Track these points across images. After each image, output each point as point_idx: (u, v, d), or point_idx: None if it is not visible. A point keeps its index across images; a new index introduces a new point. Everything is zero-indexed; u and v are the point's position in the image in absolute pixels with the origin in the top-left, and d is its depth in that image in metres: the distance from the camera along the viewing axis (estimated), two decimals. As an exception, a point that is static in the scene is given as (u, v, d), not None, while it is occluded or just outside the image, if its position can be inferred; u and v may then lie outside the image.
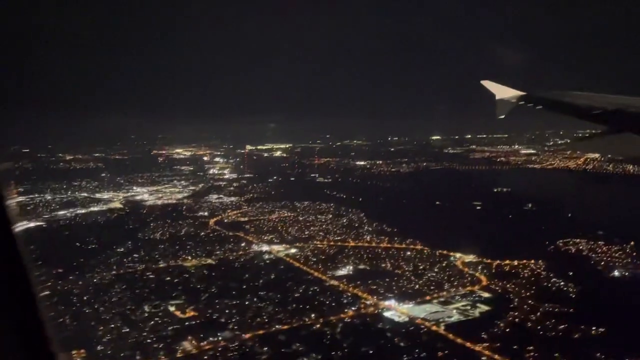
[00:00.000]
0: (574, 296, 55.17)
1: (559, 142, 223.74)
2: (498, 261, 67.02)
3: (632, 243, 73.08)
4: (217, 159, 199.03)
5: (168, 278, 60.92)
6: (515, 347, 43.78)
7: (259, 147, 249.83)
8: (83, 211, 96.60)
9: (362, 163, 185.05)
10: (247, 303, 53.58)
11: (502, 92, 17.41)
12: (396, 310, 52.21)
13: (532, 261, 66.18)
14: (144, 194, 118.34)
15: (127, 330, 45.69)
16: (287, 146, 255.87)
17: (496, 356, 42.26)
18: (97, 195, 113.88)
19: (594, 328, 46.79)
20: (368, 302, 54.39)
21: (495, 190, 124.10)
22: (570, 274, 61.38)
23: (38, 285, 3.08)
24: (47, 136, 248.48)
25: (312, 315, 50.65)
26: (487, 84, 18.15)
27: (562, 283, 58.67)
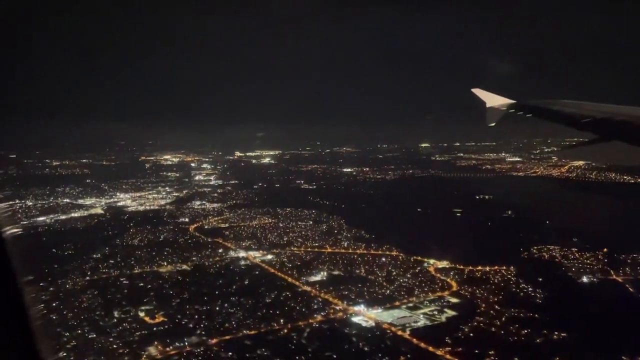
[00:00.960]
0: (540, 302, 55.99)
1: (546, 150, 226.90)
2: (470, 267, 67.81)
3: (605, 250, 74.26)
4: (204, 166, 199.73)
5: (141, 284, 61.19)
6: (476, 351, 44.44)
7: (248, 154, 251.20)
8: (63, 217, 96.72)
9: (348, 170, 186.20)
10: (217, 309, 53.99)
11: (492, 100, 17.63)
12: (364, 316, 52.80)
13: (504, 267, 67.01)
14: (126, 200, 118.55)
15: (93, 336, 45.95)
16: (277, 153, 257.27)
17: (456, 360, 42.93)
18: (80, 201, 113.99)
19: (556, 333, 47.57)
20: (338, 308, 54.95)
21: (477, 197, 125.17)
22: (540, 280, 62.24)
23: (28, 293, 3.08)
24: (35, 142, 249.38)
25: (281, 320, 51.09)
26: (478, 92, 18.34)
27: (530, 289, 59.48)
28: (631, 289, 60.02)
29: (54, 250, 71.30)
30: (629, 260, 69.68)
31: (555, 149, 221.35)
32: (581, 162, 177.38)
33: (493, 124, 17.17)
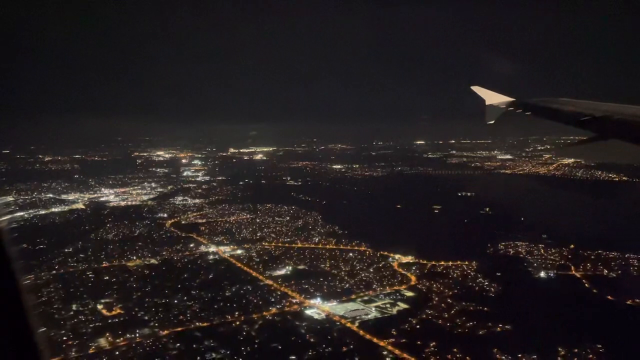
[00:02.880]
0: (492, 295, 57.17)
1: (539, 148, 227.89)
2: (434, 262, 68.99)
3: (572, 246, 75.33)
4: (195, 162, 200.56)
5: (107, 277, 62.38)
6: (418, 342, 45.54)
7: (241, 150, 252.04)
8: (42, 212, 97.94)
9: (338, 167, 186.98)
10: (176, 301, 55.20)
11: (492, 97, 17.66)
12: (318, 309, 53.93)
13: (467, 262, 68.18)
14: (110, 196, 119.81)
15: (44, 329, 46.89)
16: (271, 149, 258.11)
17: (396, 350, 44.02)
18: (63, 197, 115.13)
19: (500, 325, 48.71)
20: (294, 301, 56.08)
21: (460, 194, 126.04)
22: (498, 274, 63.41)
23: (26, 286, 3.12)
24: (32, 139, 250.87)
25: (236, 313, 52.28)
26: (477, 89, 18.40)
27: (486, 283, 60.62)
28: (586, 284, 61.09)
29: (24, 245, 72.39)
30: (592, 257, 70.72)
31: (549, 147, 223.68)
32: (570, 160, 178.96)
33: (492, 122, 17.18)
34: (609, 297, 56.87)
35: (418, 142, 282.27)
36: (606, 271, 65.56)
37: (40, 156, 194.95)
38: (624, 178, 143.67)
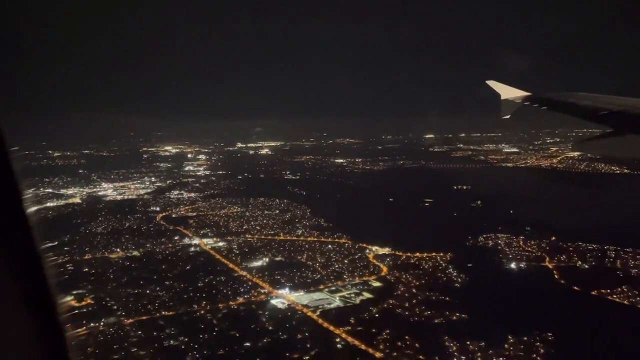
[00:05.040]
0: (457, 286, 57.84)
1: (548, 141, 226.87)
2: (409, 254, 69.71)
3: (553, 238, 75.59)
4: (200, 156, 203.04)
5: (86, 269, 64.13)
6: (373, 330, 46.55)
7: (249, 145, 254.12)
8: (37, 207, 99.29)
9: (340, 161, 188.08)
10: (148, 292, 56.76)
11: (507, 92, 17.84)
12: (284, 298, 55.14)
13: (442, 254, 68.81)
14: (108, 190, 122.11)
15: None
16: (278, 144, 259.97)
17: (349, 338, 45.12)
18: (62, 191, 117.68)
19: (457, 314, 49.50)
20: (263, 291, 57.34)
21: (455, 187, 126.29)
22: (470, 266, 64.01)
23: (46, 256, 3.04)
24: (45, 134, 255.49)
25: (203, 303, 53.69)
26: (493, 84, 18.63)
27: (455, 274, 61.29)
28: (556, 275, 61.50)
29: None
30: (571, 249, 70.98)
31: (559, 140, 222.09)
32: (576, 153, 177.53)
33: (508, 116, 17.24)
34: (575, 287, 57.26)
35: (428, 136, 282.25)
36: (580, 263, 65.83)
37: (49, 152, 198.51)
38: (625, 171, 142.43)
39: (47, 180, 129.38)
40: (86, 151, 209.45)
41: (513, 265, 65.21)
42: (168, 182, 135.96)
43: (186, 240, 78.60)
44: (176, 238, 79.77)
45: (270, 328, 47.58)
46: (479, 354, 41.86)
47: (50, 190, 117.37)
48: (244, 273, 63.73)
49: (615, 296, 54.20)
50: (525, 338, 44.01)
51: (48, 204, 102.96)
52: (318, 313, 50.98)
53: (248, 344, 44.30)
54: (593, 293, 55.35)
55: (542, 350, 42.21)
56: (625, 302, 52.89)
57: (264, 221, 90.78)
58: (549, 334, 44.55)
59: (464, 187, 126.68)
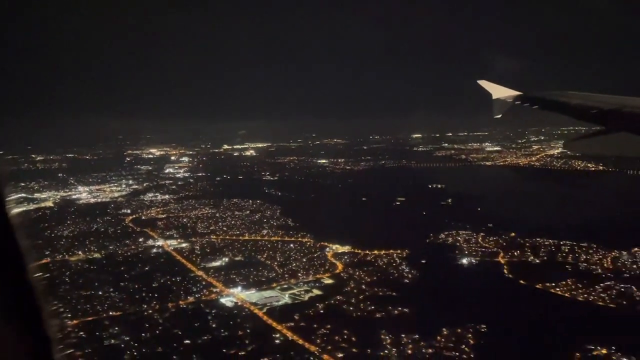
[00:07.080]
0: (407, 282, 58.88)
1: (533, 139, 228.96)
2: (367, 252, 70.58)
3: (512, 234, 76.73)
4: (183, 159, 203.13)
5: (39, 273, 64.26)
6: (315, 325, 47.41)
7: (235, 147, 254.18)
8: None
9: (323, 161, 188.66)
10: (100, 293, 57.25)
11: (499, 91, 17.83)
12: (234, 297, 55.90)
13: (399, 251, 69.74)
14: (83, 193, 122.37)
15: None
16: (264, 145, 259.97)
17: (289, 333, 46.00)
18: (36, 195, 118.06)
19: (398, 308, 50.45)
20: (215, 290, 58.10)
21: (430, 186, 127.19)
22: (423, 262, 65.00)
23: (34, 271, 3.07)
24: (31, 138, 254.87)
25: (153, 303, 54.35)
26: (484, 83, 18.60)
27: (406, 270, 62.27)
28: (505, 270, 62.56)
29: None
30: (527, 244, 72.12)
31: (543, 138, 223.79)
32: (555, 152, 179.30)
33: (499, 116, 17.25)
34: (522, 281, 58.38)
35: (415, 136, 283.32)
36: (532, 258, 66.99)
37: (33, 156, 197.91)
38: (600, 168, 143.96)
39: (22, 184, 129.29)
40: (69, 155, 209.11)
41: (465, 261, 66.29)
42: (145, 184, 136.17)
43: (150, 242, 79.16)
44: (140, 240, 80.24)
45: (213, 326, 48.35)
46: (410, 345, 42.79)
47: (23, 195, 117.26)
48: (201, 273, 64.41)
49: (557, 289, 55.34)
50: (459, 330, 44.97)
51: (18, 209, 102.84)
52: (264, 310, 51.80)
53: (188, 341, 45.02)
54: (538, 286, 56.44)
55: (471, 342, 43.18)
56: (567, 294, 54.03)
57: (232, 222, 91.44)
58: (483, 326, 45.54)
59: (439, 186, 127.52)
